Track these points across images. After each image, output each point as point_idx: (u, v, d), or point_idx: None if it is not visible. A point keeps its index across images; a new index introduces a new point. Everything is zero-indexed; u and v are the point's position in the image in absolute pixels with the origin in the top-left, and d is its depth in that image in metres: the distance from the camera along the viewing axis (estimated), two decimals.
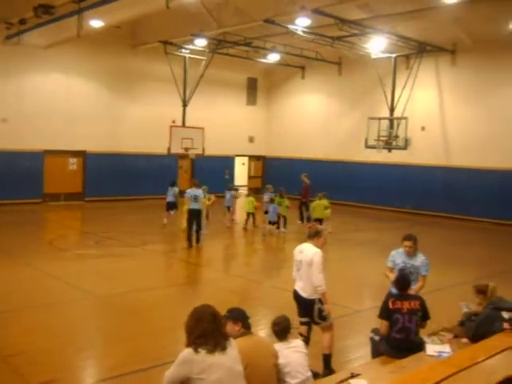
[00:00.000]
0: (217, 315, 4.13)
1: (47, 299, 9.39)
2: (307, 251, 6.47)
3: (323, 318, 6.45)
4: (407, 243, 6.93)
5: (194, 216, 14.63)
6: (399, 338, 5.74)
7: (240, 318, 4.87)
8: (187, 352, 3.96)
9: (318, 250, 6.42)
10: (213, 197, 17.22)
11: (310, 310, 6.46)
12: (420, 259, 6.94)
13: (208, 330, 3.99)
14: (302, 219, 19.16)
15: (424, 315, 5.92)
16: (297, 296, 6.62)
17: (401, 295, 5.96)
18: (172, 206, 17.91)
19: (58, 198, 23.06)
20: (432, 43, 21.65)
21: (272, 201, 17.35)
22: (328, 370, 6.31)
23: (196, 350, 3.93)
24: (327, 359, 6.45)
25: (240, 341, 4.60)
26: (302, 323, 6.70)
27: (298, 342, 5.22)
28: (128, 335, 7.79)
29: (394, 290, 6.33)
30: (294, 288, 6.66)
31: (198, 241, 14.87)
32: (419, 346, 5.75)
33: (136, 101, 24.78)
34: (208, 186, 17.18)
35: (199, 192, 14.85)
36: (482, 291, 6.35)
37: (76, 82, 23.11)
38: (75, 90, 23.07)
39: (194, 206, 14.58)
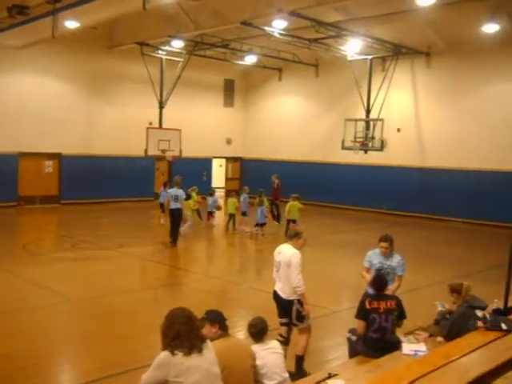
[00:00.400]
0: (191, 317, 4.12)
1: (22, 304, 9.25)
2: (286, 252, 6.51)
3: (301, 319, 6.48)
4: (383, 244, 6.99)
5: (175, 215, 14.82)
6: (376, 338, 5.79)
7: (217, 319, 4.87)
8: (164, 355, 3.94)
9: (297, 251, 6.45)
10: (199, 198, 17.77)
11: (289, 311, 6.48)
12: (396, 259, 7.01)
13: (182, 332, 3.98)
14: (276, 219, 19.12)
15: (400, 314, 5.97)
16: (276, 297, 6.65)
17: (377, 295, 6.01)
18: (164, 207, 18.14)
19: (34, 201, 22.75)
20: (407, 46, 21.90)
21: (261, 203, 17.39)
22: (300, 371, 6.34)
23: (172, 353, 3.91)
24: (300, 361, 6.48)
25: (217, 343, 4.59)
26: (282, 324, 6.72)
27: (274, 343, 5.23)
28: (105, 339, 7.72)
29: (371, 290, 6.38)
30: (274, 289, 6.69)
31: (176, 238, 15.06)
32: (395, 346, 5.81)
33: (112, 102, 24.59)
34: (185, 188, 17.08)
35: (180, 192, 14.98)
36: (456, 290, 6.43)
37: (51, 83, 22.84)
38: (50, 91, 22.80)
39: (175, 205, 14.78)
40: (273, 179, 20.31)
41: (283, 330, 6.73)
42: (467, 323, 6.08)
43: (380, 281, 6.15)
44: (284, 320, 6.67)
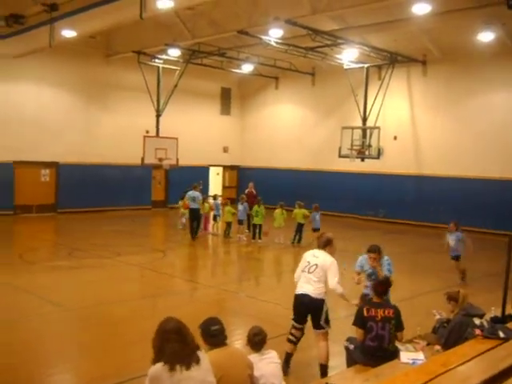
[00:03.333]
0: (181, 330, 4.06)
1: (18, 313, 9.20)
2: (325, 257, 6.70)
3: (328, 321, 6.61)
4: (372, 255, 7.18)
5: (194, 213, 17.63)
6: (373, 346, 5.78)
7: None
8: (155, 368, 3.91)
9: (334, 260, 6.69)
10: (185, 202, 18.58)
11: (318, 313, 6.55)
12: (384, 263, 7.17)
13: (174, 347, 3.94)
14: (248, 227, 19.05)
15: (398, 325, 5.93)
16: (301, 299, 6.65)
17: (375, 303, 5.99)
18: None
19: (30, 210, 22.71)
20: (403, 54, 22.01)
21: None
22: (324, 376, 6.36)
23: (164, 366, 3.88)
24: (325, 370, 6.52)
25: (214, 352, 4.57)
26: (298, 329, 6.76)
27: (271, 353, 5.21)
28: (102, 348, 7.68)
29: (367, 291, 6.44)
30: (297, 293, 6.72)
31: (196, 233, 17.67)
32: (393, 354, 5.79)
33: (109, 111, 24.62)
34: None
35: (197, 194, 17.77)
36: (453, 298, 6.42)
37: (48, 91, 22.86)
38: (47, 99, 22.81)
39: (193, 205, 17.62)
40: (249, 186, 20.97)
41: (298, 332, 6.77)
42: (465, 331, 6.07)
43: (382, 286, 6.15)
44: (301, 326, 6.74)
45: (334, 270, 6.57)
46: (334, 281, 6.52)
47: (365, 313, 5.87)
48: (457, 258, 12.96)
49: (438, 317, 6.57)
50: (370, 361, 5.74)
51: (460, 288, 6.58)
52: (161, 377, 3.87)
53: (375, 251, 7.16)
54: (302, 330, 6.77)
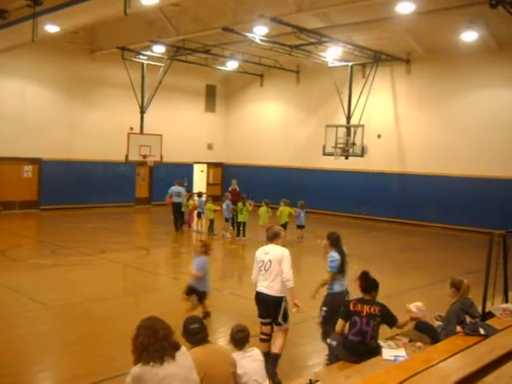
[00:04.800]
0: (157, 327, 4.04)
1: (0, 311, 9.13)
2: (275, 250, 6.72)
3: (286, 318, 6.65)
4: (324, 241, 7.49)
5: (177, 207, 18.91)
6: (356, 341, 5.84)
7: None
8: (136, 369, 3.91)
9: (286, 249, 6.72)
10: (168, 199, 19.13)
11: (277, 309, 6.59)
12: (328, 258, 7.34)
13: (149, 343, 3.93)
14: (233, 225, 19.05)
15: (389, 321, 6.00)
16: (262, 297, 6.70)
17: (362, 299, 6.05)
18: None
19: (13, 207, 22.47)
20: (387, 52, 22.12)
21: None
22: (274, 367, 6.41)
23: (145, 365, 3.88)
24: (276, 358, 6.58)
25: (197, 350, 4.60)
26: (265, 324, 6.79)
27: (254, 351, 5.23)
28: (85, 346, 7.65)
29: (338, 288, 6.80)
30: (257, 290, 6.75)
31: (180, 225, 18.89)
32: (375, 350, 5.85)
33: (93, 107, 24.43)
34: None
35: (181, 189, 19.12)
36: (455, 285, 6.52)
37: (31, 87, 22.63)
38: (30, 95, 22.58)
39: (177, 199, 18.89)
40: (232, 183, 21.23)
41: (266, 328, 6.79)
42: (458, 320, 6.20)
43: (361, 281, 6.16)
44: (267, 320, 6.76)
45: (286, 260, 6.61)
46: (289, 272, 6.55)
47: (351, 307, 5.98)
48: None
49: (414, 311, 6.50)
50: (352, 356, 5.80)
51: (465, 279, 6.63)
52: (140, 378, 3.87)
53: (327, 238, 7.38)
54: (270, 325, 6.79)
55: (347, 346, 5.90)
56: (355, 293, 6.17)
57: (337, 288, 7.16)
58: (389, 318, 5.99)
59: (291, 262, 6.69)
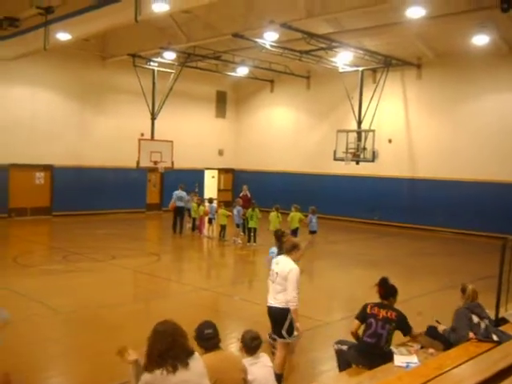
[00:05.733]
0: (173, 332, 4.01)
1: (11, 316, 9.15)
2: (284, 265, 6.48)
3: (290, 332, 6.38)
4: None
5: (179, 211, 19.46)
6: (370, 343, 5.80)
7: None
8: (148, 376, 3.89)
9: (295, 267, 6.43)
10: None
11: (282, 321, 6.35)
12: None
13: (163, 350, 3.90)
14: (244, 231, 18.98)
15: (404, 329, 5.96)
16: (269, 308, 6.57)
17: (380, 304, 6.01)
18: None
19: (25, 213, 22.61)
20: (398, 57, 22.05)
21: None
22: None
23: (157, 372, 3.86)
24: (279, 378, 6.25)
25: (208, 356, 4.56)
26: (275, 339, 6.65)
27: (264, 358, 5.20)
28: (92, 353, 7.62)
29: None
30: (268, 303, 6.59)
31: (180, 231, 19.42)
32: (388, 355, 5.78)
33: (104, 114, 24.57)
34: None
35: (184, 194, 19.65)
36: (462, 289, 6.51)
37: (43, 94, 22.80)
38: (42, 102, 22.76)
39: (180, 204, 19.45)
40: (243, 189, 21.04)
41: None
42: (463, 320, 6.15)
43: (380, 288, 6.11)
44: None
45: (292, 279, 6.33)
46: (291, 293, 6.29)
47: (368, 309, 5.97)
48: None
49: (443, 327, 6.48)
50: (364, 359, 5.75)
51: (471, 284, 6.59)
52: (154, 383, 3.85)
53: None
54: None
55: (361, 348, 5.85)
56: (373, 298, 6.10)
57: None
58: (404, 326, 5.95)
59: (299, 278, 6.40)
